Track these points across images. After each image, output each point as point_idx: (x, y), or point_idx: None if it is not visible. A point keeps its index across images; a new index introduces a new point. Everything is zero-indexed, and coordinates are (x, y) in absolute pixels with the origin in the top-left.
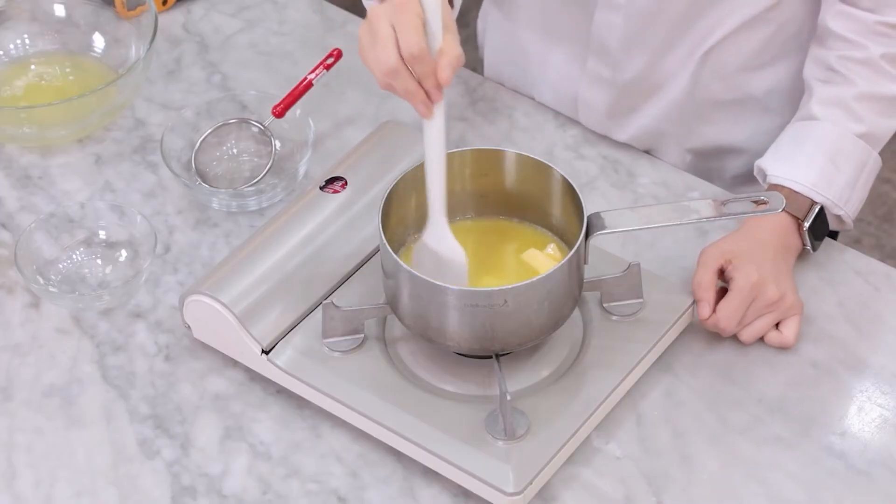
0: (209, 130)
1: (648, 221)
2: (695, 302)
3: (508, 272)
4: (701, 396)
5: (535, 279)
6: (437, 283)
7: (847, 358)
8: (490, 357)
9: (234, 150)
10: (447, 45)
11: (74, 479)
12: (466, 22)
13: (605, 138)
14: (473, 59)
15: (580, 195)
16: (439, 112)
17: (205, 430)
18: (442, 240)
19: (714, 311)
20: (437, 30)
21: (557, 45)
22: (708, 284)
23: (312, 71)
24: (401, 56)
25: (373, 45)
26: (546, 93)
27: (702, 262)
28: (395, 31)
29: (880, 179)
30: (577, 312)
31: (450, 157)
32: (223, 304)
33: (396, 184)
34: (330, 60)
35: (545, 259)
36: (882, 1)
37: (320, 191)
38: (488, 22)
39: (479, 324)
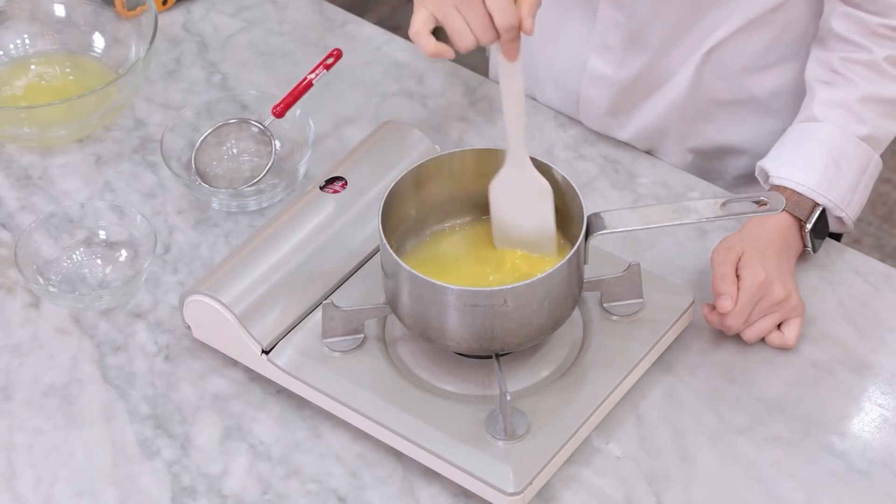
0: (209, 130)
1: (648, 221)
2: (716, 296)
3: (509, 272)
4: (701, 396)
5: (535, 279)
6: (437, 283)
7: (847, 358)
8: (490, 357)
9: (234, 150)
10: None
11: (74, 479)
12: None
13: (605, 138)
14: (476, 59)
15: (580, 195)
16: (520, 55)
17: (205, 430)
18: (527, 177)
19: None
20: None
21: (562, 42)
22: (731, 277)
23: (312, 71)
24: (495, 29)
25: (464, 17)
26: (550, 91)
27: (719, 259)
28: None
29: (880, 179)
30: (577, 312)
31: (450, 157)
32: (223, 304)
33: (396, 184)
34: (330, 60)
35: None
36: (886, 3)
37: (320, 191)
38: None
39: (479, 324)
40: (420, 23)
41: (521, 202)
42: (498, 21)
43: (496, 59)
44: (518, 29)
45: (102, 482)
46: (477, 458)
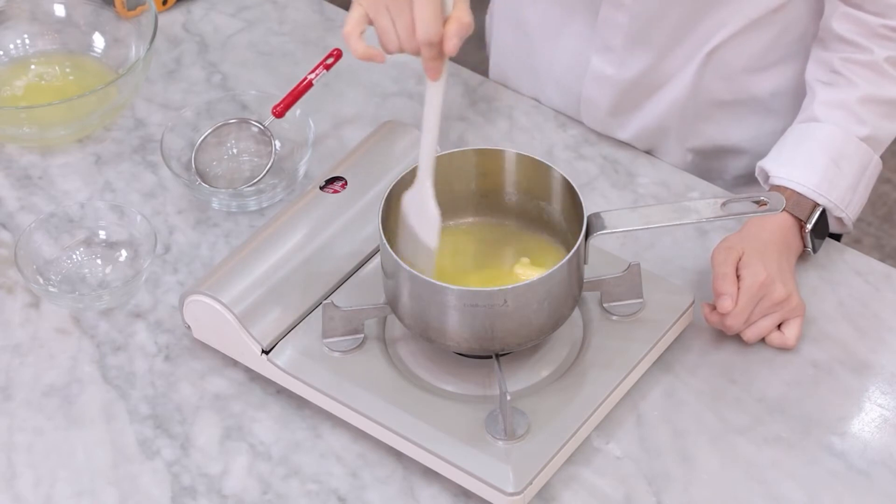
0: (209, 130)
1: (648, 221)
2: (716, 296)
3: (506, 275)
4: (701, 396)
5: (535, 279)
6: (437, 283)
7: (847, 358)
8: (490, 357)
9: (234, 150)
10: (459, 11)
11: (74, 479)
12: None
13: (605, 138)
14: (477, 58)
15: (580, 195)
16: (444, 75)
17: (205, 430)
18: (423, 199)
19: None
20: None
21: (563, 42)
22: (732, 277)
23: (312, 71)
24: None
25: (392, 19)
26: (551, 91)
27: (719, 260)
28: (412, 6)
29: (880, 179)
30: (577, 312)
31: (450, 157)
32: (223, 304)
33: (396, 184)
34: (330, 60)
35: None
36: (887, 4)
37: (320, 191)
38: (494, 19)
39: (479, 324)
40: (352, 23)
41: (417, 220)
42: (419, 33)
43: (496, 59)
44: (439, 46)
45: (102, 482)
46: (477, 458)
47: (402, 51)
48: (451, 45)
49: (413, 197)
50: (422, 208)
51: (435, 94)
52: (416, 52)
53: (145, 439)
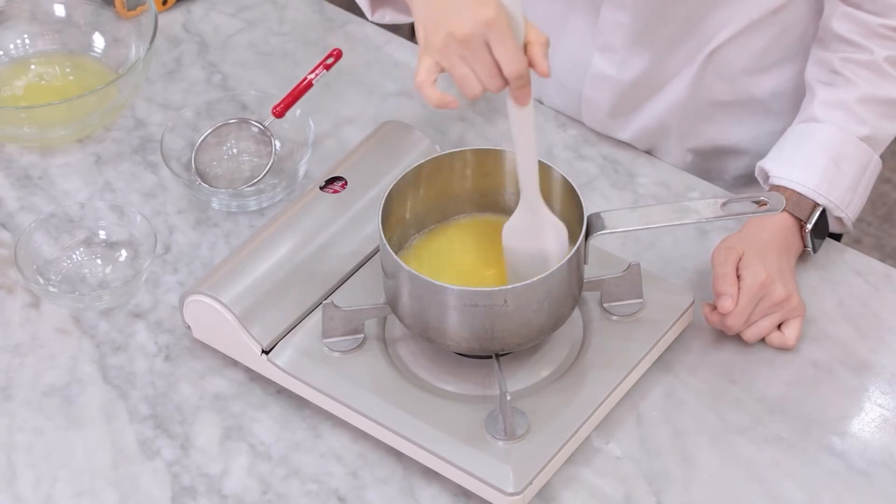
0: (209, 130)
1: (648, 221)
2: (716, 296)
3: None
4: (701, 396)
5: (535, 279)
6: (437, 283)
7: (847, 358)
8: (490, 357)
9: (234, 150)
10: (533, 33)
11: (74, 479)
12: None
13: (605, 138)
14: None
15: (580, 195)
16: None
17: (205, 430)
18: (543, 220)
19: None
20: (520, 25)
21: (564, 42)
22: (732, 278)
23: (312, 71)
24: (503, 77)
25: (470, 66)
26: (551, 91)
27: (719, 260)
28: (490, 48)
29: (880, 179)
30: (577, 312)
31: (450, 157)
32: (223, 304)
33: (396, 184)
34: (330, 60)
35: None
36: (887, 4)
37: (320, 191)
38: None
39: (479, 324)
40: (424, 72)
41: (534, 244)
42: (506, 70)
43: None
44: (527, 76)
45: (102, 482)
46: (477, 458)
47: (483, 93)
48: (545, 67)
49: (521, 223)
50: (542, 229)
51: (527, 119)
52: (499, 90)
53: (145, 439)
